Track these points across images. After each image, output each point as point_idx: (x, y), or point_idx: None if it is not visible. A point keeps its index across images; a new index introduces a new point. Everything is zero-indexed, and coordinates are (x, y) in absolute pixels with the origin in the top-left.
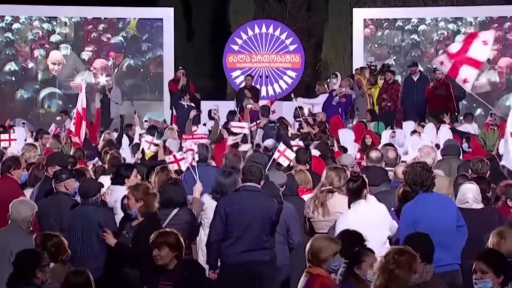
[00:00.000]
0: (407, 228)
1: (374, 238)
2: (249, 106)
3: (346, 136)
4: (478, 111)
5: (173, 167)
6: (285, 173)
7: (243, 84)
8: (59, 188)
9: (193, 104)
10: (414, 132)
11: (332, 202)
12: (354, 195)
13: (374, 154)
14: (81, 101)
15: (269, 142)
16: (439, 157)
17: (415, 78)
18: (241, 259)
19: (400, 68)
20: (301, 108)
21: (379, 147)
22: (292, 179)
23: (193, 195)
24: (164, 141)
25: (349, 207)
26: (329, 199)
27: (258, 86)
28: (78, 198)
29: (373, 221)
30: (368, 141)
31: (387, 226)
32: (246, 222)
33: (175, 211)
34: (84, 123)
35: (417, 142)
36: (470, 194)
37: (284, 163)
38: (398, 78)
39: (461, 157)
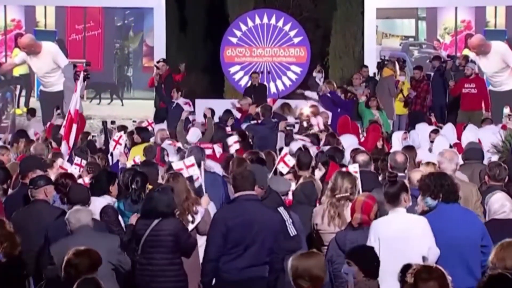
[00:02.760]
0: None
1: (409, 256)
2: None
3: (349, 141)
4: (505, 111)
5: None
6: (288, 180)
7: (249, 83)
8: (38, 195)
9: (187, 102)
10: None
11: (348, 212)
12: (392, 200)
13: (361, 157)
14: (75, 103)
15: (295, 147)
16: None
17: (432, 74)
18: (242, 276)
19: (417, 61)
20: (286, 105)
21: (395, 150)
22: (312, 186)
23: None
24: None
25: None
26: (346, 208)
27: (265, 83)
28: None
29: (411, 237)
30: (380, 144)
31: (427, 243)
32: (251, 235)
33: (156, 221)
34: (75, 127)
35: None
36: (507, 202)
37: (283, 170)
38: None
39: (485, 161)
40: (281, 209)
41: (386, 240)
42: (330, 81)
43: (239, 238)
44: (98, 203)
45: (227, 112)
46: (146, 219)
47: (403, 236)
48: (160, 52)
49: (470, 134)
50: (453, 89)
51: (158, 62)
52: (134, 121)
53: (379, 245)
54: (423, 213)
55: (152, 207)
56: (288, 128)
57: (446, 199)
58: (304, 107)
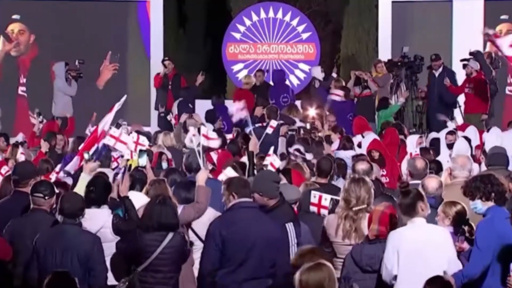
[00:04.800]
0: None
1: (430, 270)
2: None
3: (368, 141)
4: None
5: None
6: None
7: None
8: (43, 205)
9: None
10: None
11: (365, 224)
12: (408, 211)
13: (361, 166)
14: (106, 122)
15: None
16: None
17: (436, 74)
18: None
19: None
20: (294, 106)
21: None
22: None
23: (197, 183)
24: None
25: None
26: (363, 220)
27: (271, 82)
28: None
29: (431, 249)
30: (375, 155)
31: (447, 256)
32: (248, 245)
33: (170, 236)
34: (96, 146)
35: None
36: None
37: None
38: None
39: (510, 167)
40: (290, 226)
41: (406, 253)
42: (339, 79)
43: (236, 248)
44: (101, 216)
45: (208, 113)
46: (155, 234)
47: (423, 249)
48: (157, 50)
49: (494, 137)
50: (454, 88)
51: (163, 60)
52: (123, 122)
53: (397, 258)
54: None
55: (158, 222)
56: (290, 132)
57: (498, 201)
58: (309, 109)
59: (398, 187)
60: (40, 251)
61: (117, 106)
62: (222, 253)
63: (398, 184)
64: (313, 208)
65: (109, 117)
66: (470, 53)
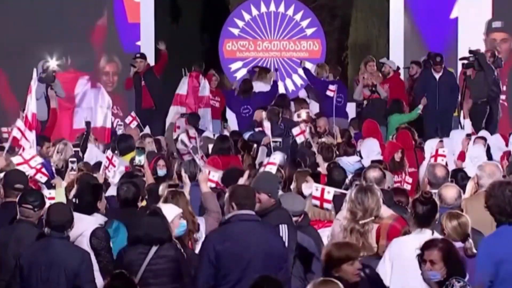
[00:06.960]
0: (491, 268)
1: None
2: None
3: (370, 147)
4: None
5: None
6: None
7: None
8: (32, 218)
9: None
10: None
11: (373, 236)
12: (422, 222)
13: (372, 174)
14: (30, 105)
15: (278, 157)
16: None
17: (437, 76)
18: None
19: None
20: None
21: (427, 163)
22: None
23: (201, 190)
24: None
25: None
26: (371, 232)
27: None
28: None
29: None
30: (398, 157)
31: None
32: (245, 261)
33: (154, 249)
34: (33, 134)
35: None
36: None
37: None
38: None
39: None
40: (283, 227)
41: (400, 260)
42: (323, 64)
43: (231, 265)
44: (84, 222)
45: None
46: (140, 247)
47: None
48: (148, 47)
49: None
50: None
51: (134, 57)
52: (120, 123)
53: (391, 266)
54: None
55: (146, 233)
56: (273, 144)
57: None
58: (302, 111)
59: (420, 195)
60: (24, 266)
61: (33, 84)
62: (217, 270)
63: (421, 193)
64: (315, 202)
65: (31, 99)
66: (470, 51)
